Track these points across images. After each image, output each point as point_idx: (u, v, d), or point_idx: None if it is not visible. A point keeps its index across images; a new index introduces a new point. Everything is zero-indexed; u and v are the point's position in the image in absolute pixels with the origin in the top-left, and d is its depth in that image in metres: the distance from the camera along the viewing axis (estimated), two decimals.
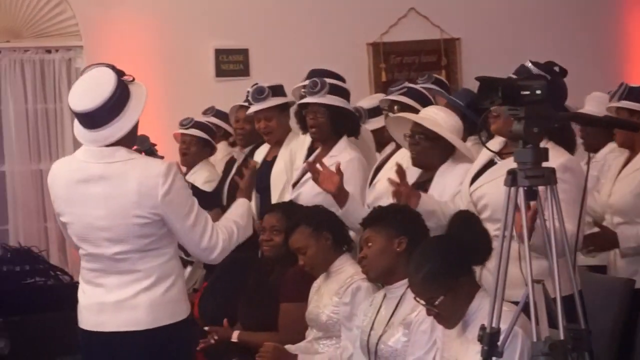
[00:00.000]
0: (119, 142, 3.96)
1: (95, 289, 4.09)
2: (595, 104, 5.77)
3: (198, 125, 6.94)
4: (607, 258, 5.36)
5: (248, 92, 6.38)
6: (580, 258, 5.33)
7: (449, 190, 4.62)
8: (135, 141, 4.12)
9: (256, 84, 6.34)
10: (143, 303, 3.98)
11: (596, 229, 5.20)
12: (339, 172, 4.81)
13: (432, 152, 4.79)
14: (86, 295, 4.13)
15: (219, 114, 7.15)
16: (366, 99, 6.45)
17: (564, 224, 3.37)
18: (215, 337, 5.23)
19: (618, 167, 5.33)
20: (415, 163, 4.88)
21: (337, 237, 4.89)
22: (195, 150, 6.87)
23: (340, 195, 4.80)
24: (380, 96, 6.10)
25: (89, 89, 3.96)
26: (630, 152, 5.30)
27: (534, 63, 4.14)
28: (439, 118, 4.88)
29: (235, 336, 5.17)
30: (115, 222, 3.97)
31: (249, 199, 4.49)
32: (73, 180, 4.05)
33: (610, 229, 5.19)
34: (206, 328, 5.31)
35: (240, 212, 4.33)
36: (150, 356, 4.00)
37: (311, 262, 4.84)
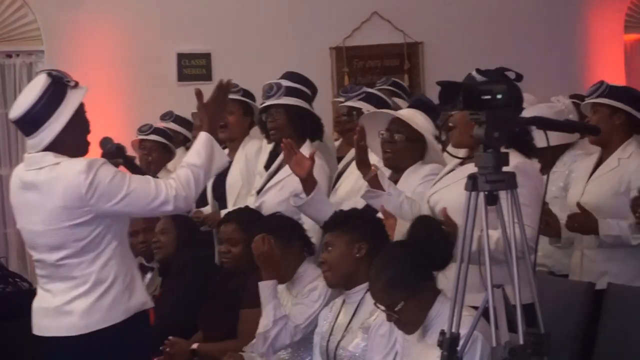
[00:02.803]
0: (52, 147, 3.97)
1: (45, 294, 4.16)
2: (542, 107, 5.74)
3: (157, 131, 6.92)
4: (569, 266, 5.37)
5: None
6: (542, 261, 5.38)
7: (412, 190, 4.65)
8: (76, 144, 4.07)
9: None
10: (77, 309, 4.01)
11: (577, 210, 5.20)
12: (311, 158, 4.86)
13: (408, 153, 4.81)
14: (37, 300, 4.20)
15: (178, 120, 7.12)
16: None
17: (524, 229, 3.37)
18: (168, 349, 5.14)
19: (590, 167, 5.33)
20: (388, 164, 4.88)
21: (302, 245, 4.89)
22: (156, 155, 6.84)
23: (309, 182, 4.86)
24: None
25: (20, 98, 4.03)
26: (603, 150, 5.30)
27: (480, 71, 4.01)
28: (418, 119, 4.88)
29: (194, 347, 5.10)
30: (50, 227, 4.01)
31: (211, 132, 4.18)
32: (16, 188, 4.13)
33: (592, 213, 5.18)
34: (168, 338, 5.22)
35: (196, 150, 4.13)
36: (89, 351, 4.03)
37: (280, 271, 4.77)
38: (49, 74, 4.02)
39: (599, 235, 5.09)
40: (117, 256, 4.08)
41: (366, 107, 5.69)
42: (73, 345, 4.04)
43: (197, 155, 4.12)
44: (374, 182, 4.55)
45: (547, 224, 5.05)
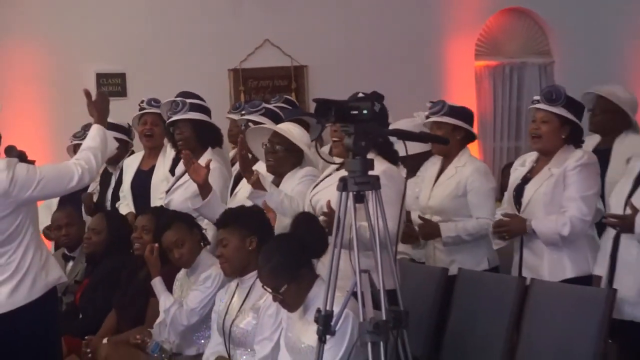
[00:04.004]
0: None
1: None
2: (404, 121, 5.81)
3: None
4: (425, 254, 5.44)
5: (142, 101, 6.27)
6: (408, 251, 5.45)
7: (291, 190, 4.70)
8: None
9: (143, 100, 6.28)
10: (3, 291, 4.03)
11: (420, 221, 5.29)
12: (207, 167, 4.89)
13: (287, 161, 4.83)
14: None
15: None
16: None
17: (387, 223, 3.42)
18: (89, 350, 5.03)
19: (434, 174, 5.41)
20: (271, 170, 4.90)
21: (202, 236, 4.88)
22: None
23: (205, 188, 4.88)
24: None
25: None
26: (444, 159, 5.37)
27: (364, 94, 4.10)
28: (294, 132, 4.90)
29: (105, 341, 4.98)
30: None
31: (101, 123, 4.43)
32: None
33: (432, 221, 5.27)
34: (86, 338, 5.12)
35: (92, 137, 4.34)
36: (15, 328, 4.04)
37: (186, 254, 4.76)
38: None
39: (442, 238, 5.20)
40: (33, 240, 4.12)
41: (263, 120, 5.65)
42: (1, 321, 4.02)
43: (92, 140, 4.32)
44: (257, 185, 4.60)
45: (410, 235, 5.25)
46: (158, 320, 4.77)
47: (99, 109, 4.41)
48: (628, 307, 4.20)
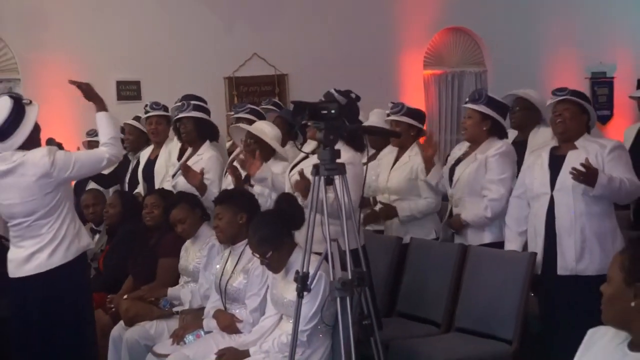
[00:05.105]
0: (21, 147, 3.95)
1: (17, 249, 4.10)
2: (375, 117, 5.81)
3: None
4: (385, 224, 5.46)
5: (146, 105, 6.23)
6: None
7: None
8: (34, 144, 4.04)
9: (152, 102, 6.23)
10: (43, 254, 4.01)
11: (380, 205, 5.29)
12: (201, 173, 5.01)
13: (261, 153, 4.80)
14: (11, 253, 4.14)
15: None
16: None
17: (351, 198, 3.42)
18: (112, 305, 5.01)
19: (391, 161, 5.41)
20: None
21: (203, 212, 4.86)
22: None
23: (202, 187, 5.03)
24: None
25: None
26: (399, 149, 5.38)
27: (337, 90, 4.15)
28: (265, 129, 4.91)
29: (125, 297, 4.94)
30: (25, 200, 3.96)
31: (102, 109, 4.26)
32: None
33: (391, 205, 5.28)
34: (108, 297, 5.10)
35: (102, 126, 4.21)
36: (54, 285, 4.03)
37: (187, 229, 4.75)
38: (10, 96, 3.97)
39: (399, 217, 5.21)
40: (69, 212, 4.11)
41: (249, 117, 5.76)
42: (41, 280, 4.01)
43: (105, 128, 4.20)
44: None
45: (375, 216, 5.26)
46: (173, 289, 4.80)
47: (92, 98, 4.28)
48: (571, 263, 4.12)
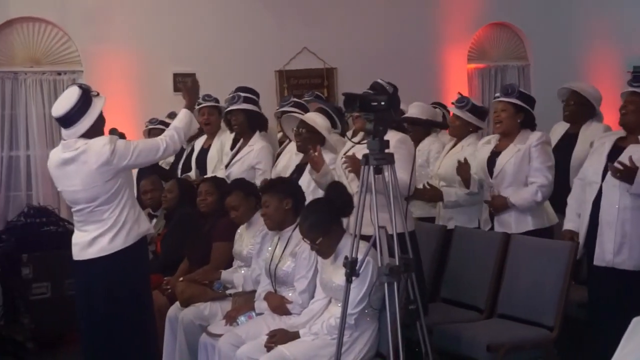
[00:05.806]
0: (83, 135, 3.96)
1: (81, 233, 4.12)
2: (415, 109, 5.73)
3: (161, 122, 6.89)
4: (433, 212, 5.41)
5: (199, 97, 6.27)
6: (416, 212, 5.38)
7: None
8: (97, 133, 4.05)
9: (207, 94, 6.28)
10: (105, 238, 4.03)
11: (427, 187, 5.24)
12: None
13: (310, 142, 4.78)
14: (75, 237, 4.16)
15: (173, 116, 7.03)
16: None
17: (399, 187, 3.39)
18: (168, 287, 5.02)
19: (447, 149, 5.37)
20: (300, 149, 4.90)
21: (258, 200, 4.85)
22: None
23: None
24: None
25: (60, 102, 3.98)
26: (457, 139, 5.32)
27: (382, 80, 4.15)
28: (317, 119, 4.89)
29: (181, 279, 4.95)
30: (87, 187, 3.98)
31: (190, 109, 4.35)
32: (57, 164, 4.07)
33: (437, 187, 5.22)
34: (165, 279, 5.12)
35: (180, 118, 4.27)
36: (115, 268, 4.05)
37: (240, 216, 4.75)
38: (80, 87, 3.99)
39: (444, 201, 5.16)
40: (130, 199, 4.12)
41: (294, 110, 5.63)
42: (102, 263, 4.03)
43: (179, 121, 4.26)
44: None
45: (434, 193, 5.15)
46: (226, 272, 4.80)
47: (190, 98, 4.36)
48: (608, 256, 4.05)
